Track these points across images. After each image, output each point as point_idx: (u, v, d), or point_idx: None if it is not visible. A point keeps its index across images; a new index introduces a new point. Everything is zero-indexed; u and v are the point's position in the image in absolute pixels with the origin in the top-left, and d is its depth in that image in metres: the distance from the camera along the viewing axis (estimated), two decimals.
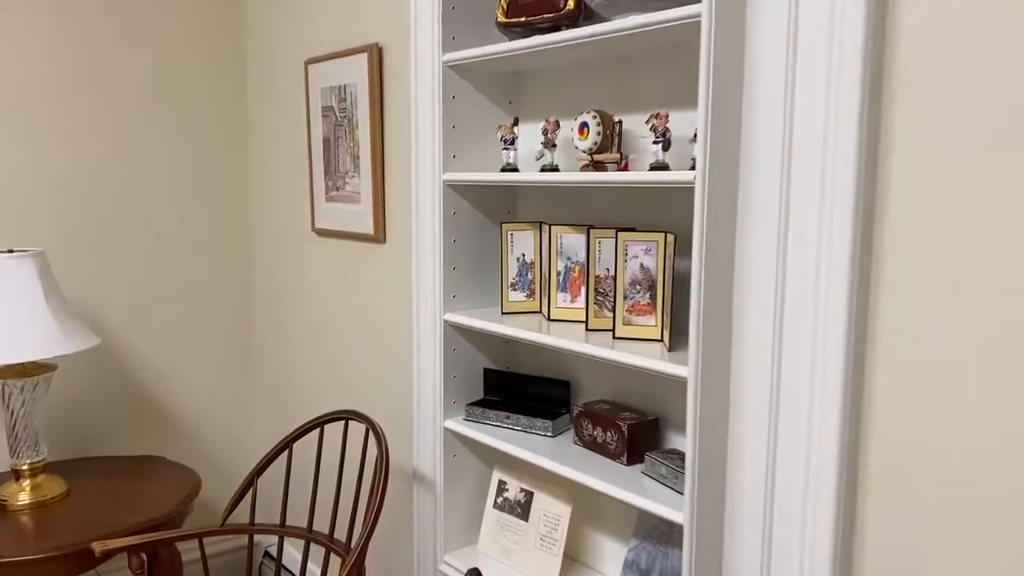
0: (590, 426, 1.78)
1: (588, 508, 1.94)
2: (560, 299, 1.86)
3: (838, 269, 1.27)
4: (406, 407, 2.43)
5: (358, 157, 2.45)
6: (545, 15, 1.70)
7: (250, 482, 2.15)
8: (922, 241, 1.24)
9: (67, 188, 2.73)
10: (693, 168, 1.45)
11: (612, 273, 1.73)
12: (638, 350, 1.56)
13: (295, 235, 2.88)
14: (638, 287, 1.64)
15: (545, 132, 1.80)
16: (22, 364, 2.27)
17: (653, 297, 1.63)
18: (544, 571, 1.91)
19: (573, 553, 1.99)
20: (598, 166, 1.70)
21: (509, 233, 1.94)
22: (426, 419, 2.08)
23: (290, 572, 2.99)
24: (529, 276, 1.96)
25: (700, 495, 1.42)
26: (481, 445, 2.04)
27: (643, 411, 1.79)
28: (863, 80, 1.22)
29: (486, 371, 2.07)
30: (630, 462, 1.70)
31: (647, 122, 1.57)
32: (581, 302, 1.84)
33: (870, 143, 1.27)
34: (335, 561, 2.70)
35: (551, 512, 1.94)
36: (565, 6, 1.67)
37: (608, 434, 1.73)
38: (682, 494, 1.54)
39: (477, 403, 2.03)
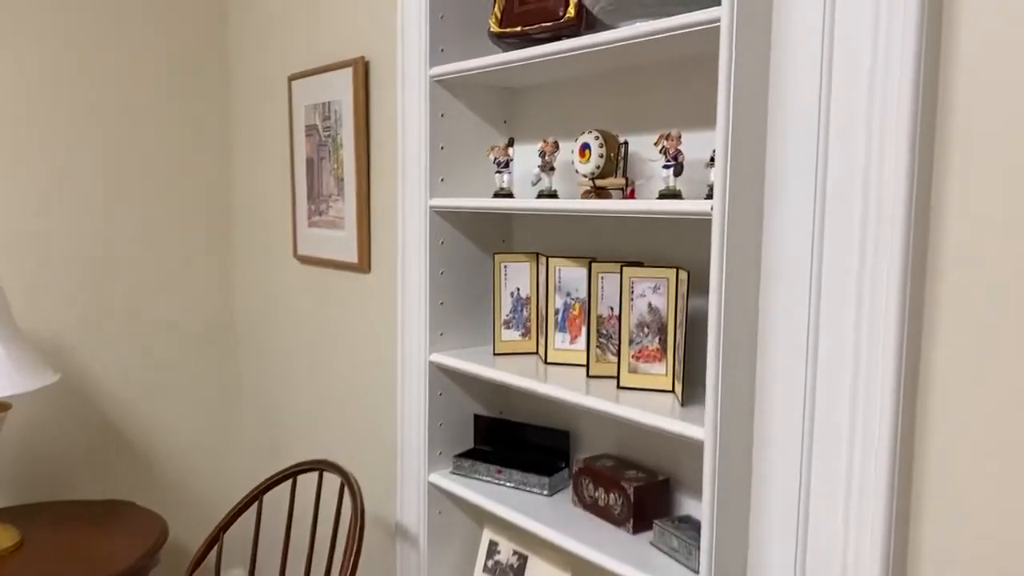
0: (591, 486, 1.57)
1: (587, 574, 1.73)
2: (558, 340, 1.65)
3: (885, 315, 1.06)
4: (390, 455, 2.23)
5: (342, 179, 2.26)
6: (543, 24, 1.52)
7: (215, 538, 1.94)
8: (988, 282, 1.04)
9: (27, 207, 2.55)
10: (710, 197, 1.26)
11: (617, 313, 1.53)
12: (646, 403, 1.36)
13: (277, 261, 2.69)
14: (646, 330, 1.44)
15: (543, 154, 1.61)
16: None
17: (663, 342, 1.43)
18: None
19: None
20: (601, 193, 1.50)
21: (503, 265, 1.75)
22: (410, 470, 1.87)
23: None
24: (525, 313, 1.76)
25: None
26: (472, 504, 1.83)
27: (651, 469, 1.58)
28: (915, 90, 1.03)
29: (476, 418, 1.86)
30: (636, 529, 1.49)
31: (656, 144, 1.38)
32: (581, 343, 1.64)
33: (923, 165, 1.07)
34: None
35: None
36: (565, 14, 1.49)
37: (612, 496, 1.52)
38: (696, 573, 1.33)
39: (466, 454, 1.82)
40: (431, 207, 1.75)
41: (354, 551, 1.66)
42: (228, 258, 2.94)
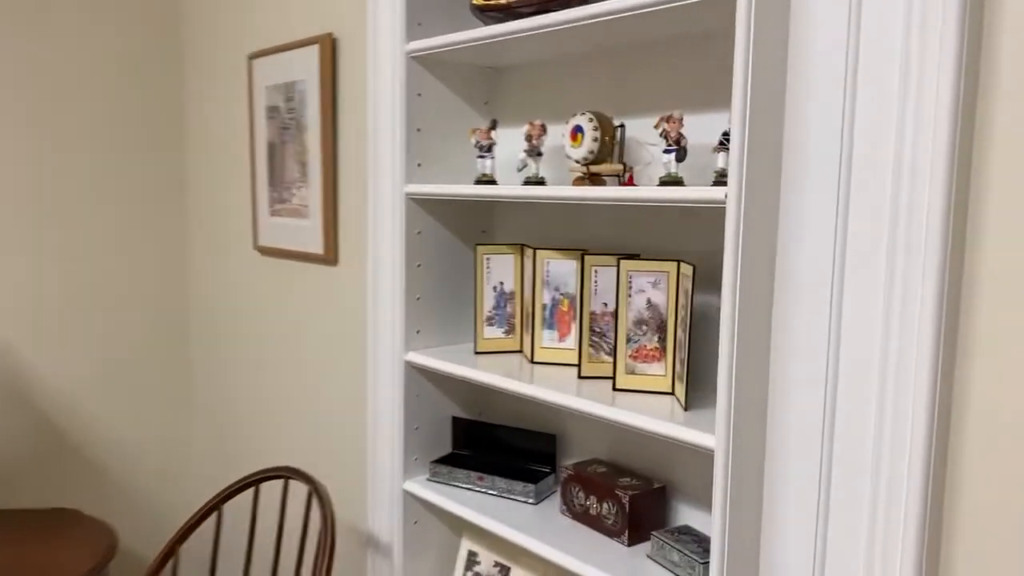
0: (582, 494, 1.47)
1: None
2: (546, 337, 1.54)
3: (919, 317, 0.97)
4: (359, 461, 2.09)
5: (307, 164, 2.11)
6: None
7: (170, 552, 1.79)
8: None
9: None
10: (718, 183, 1.16)
11: (611, 309, 1.42)
12: (644, 406, 1.25)
13: (236, 253, 2.53)
14: (644, 328, 1.33)
15: (529, 138, 1.50)
16: None
17: (662, 340, 1.33)
18: None
19: None
20: (595, 179, 1.39)
21: (485, 258, 1.63)
22: (382, 477, 1.75)
23: None
24: (508, 309, 1.64)
25: None
26: (449, 512, 1.71)
27: (646, 476, 1.48)
28: (958, 61, 0.93)
29: (455, 420, 1.74)
30: (632, 541, 1.38)
31: (656, 127, 1.28)
32: (571, 341, 1.53)
33: (963, 150, 0.97)
34: None
35: None
36: None
37: (604, 506, 1.42)
38: None
39: (444, 459, 1.70)
40: (407, 194, 1.62)
41: (325, 566, 1.54)
42: (182, 250, 2.76)
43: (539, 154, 1.51)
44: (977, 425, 1.00)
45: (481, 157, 1.58)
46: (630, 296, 1.33)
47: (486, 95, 1.73)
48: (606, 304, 1.42)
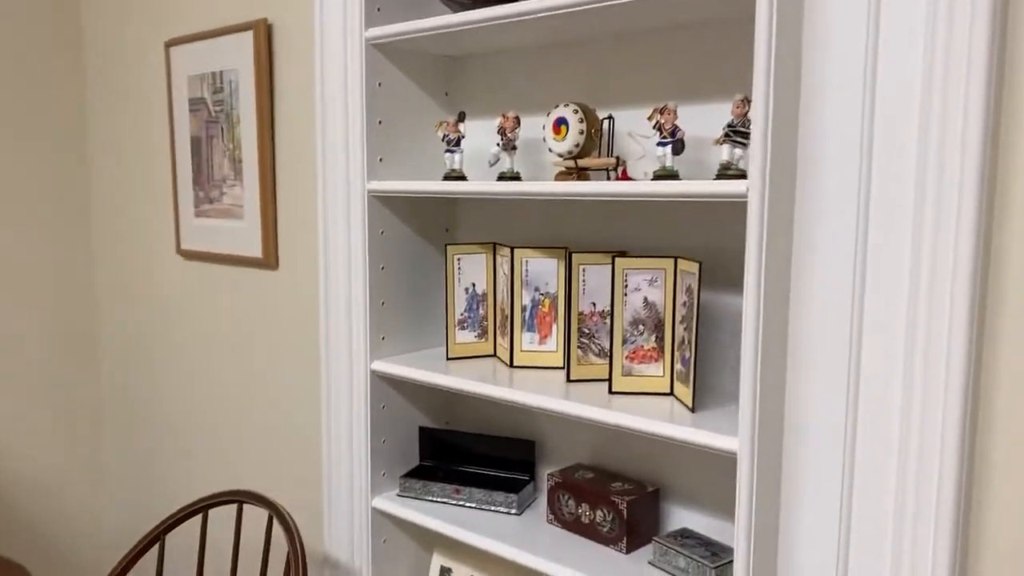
0: (572, 502, 1.41)
1: None
2: (526, 340, 1.47)
3: (950, 315, 0.96)
4: (314, 479, 1.96)
5: (240, 161, 1.95)
6: None
7: None
8: None
9: None
10: (725, 176, 1.12)
11: (600, 309, 1.36)
12: (645, 409, 1.20)
13: (155, 258, 2.32)
14: (641, 327, 1.28)
15: (503, 131, 1.42)
16: None
17: (660, 340, 1.28)
18: None
19: None
20: (582, 174, 1.33)
21: (456, 258, 1.54)
22: (341, 496, 1.63)
23: None
24: (481, 311, 1.56)
25: None
26: (421, 527, 1.62)
27: (636, 479, 1.43)
28: (990, 38, 0.92)
29: (423, 430, 1.65)
30: (630, 548, 1.34)
31: (650, 118, 1.23)
32: (552, 343, 1.46)
33: (993, 134, 0.97)
34: None
35: None
36: None
37: (599, 513, 1.36)
38: None
39: (413, 473, 1.60)
40: (369, 191, 1.51)
41: None
42: (87, 257, 2.52)
43: (513, 148, 1.44)
44: (1009, 420, 1.00)
45: (449, 152, 1.49)
46: (626, 295, 1.28)
47: (445, 86, 1.64)
48: (595, 304, 1.36)
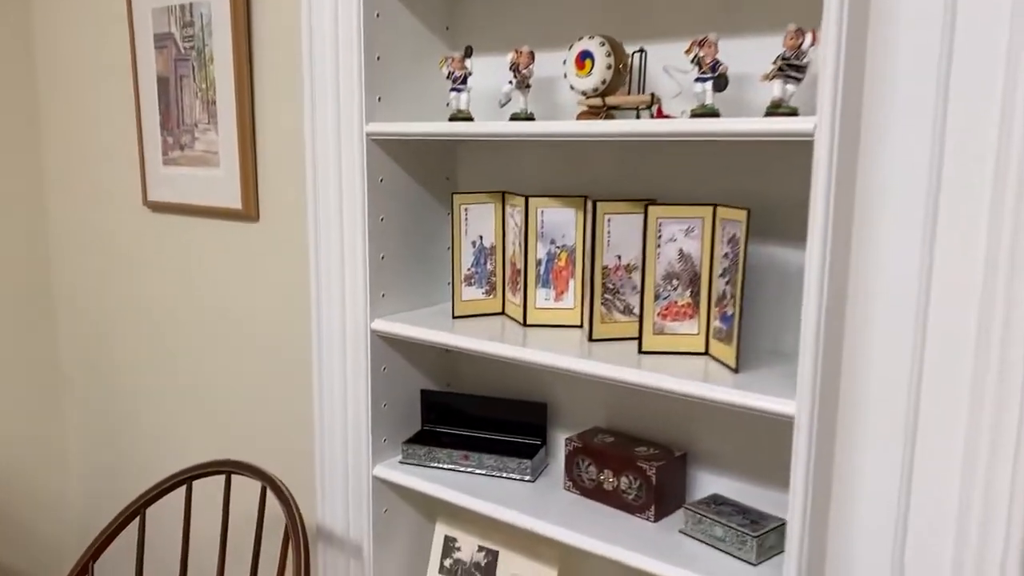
0: (593, 468, 1.32)
1: (577, 568, 1.49)
2: (540, 297, 1.36)
3: None
4: (301, 450, 1.84)
5: (214, 103, 1.79)
6: None
7: (83, 570, 1.49)
8: None
9: None
10: (776, 113, 1.02)
11: (625, 262, 1.26)
12: (681, 369, 1.12)
13: (118, 212, 2.14)
14: (675, 282, 1.19)
15: (516, 67, 1.29)
16: None
17: (695, 295, 1.19)
18: None
19: None
20: (609, 114, 1.21)
21: (463, 208, 1.41)
22: (336, 465, 1.52)
23: None
24: (488, 266, 1.45)
25: None
26: (423, 496, 1.52)
27: (660, 443, 1.35)
28: None
29: (425, 393, 1.54)
30: (659, 516, 1.26)
31: (688, 51, 1.11)
32: (570, 300, 1.36)
33: None
34: None
35: None
36: None
37: (624, 479, 1.28)
38: (753, 565, 1.12)
39: (416, 438, 1.50)
40: (368, 134, 1.37)
41: None
42: (40, 210, 2.32)
43: (527, 86, 1.31)
44: None
45: (455, 90, 1.36)
46: (659, 247, 1.18)
47: (445, 19, 1.49)
48: (619, 257, 1.26)
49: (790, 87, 1.04)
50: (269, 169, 1.76)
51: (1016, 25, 0.85)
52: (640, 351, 1.20)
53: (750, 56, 1.17)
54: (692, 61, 1.12)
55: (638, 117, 1.20)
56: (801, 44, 1.03)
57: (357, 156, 1.38)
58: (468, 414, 1.52)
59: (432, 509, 1.60)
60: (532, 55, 1.29)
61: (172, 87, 1.87)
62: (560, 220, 1.34)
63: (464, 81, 1.36)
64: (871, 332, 0.98)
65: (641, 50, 1.21)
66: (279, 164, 1.74)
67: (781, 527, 1.16)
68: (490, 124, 1.25)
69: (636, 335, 1.27)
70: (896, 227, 0.95)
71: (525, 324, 1.37)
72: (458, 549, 1.55)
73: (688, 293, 1.19)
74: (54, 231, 2.33)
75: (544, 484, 1.40)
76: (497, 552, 1.51)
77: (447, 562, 1.56)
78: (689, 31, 1.24)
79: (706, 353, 1.19)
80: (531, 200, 1.33)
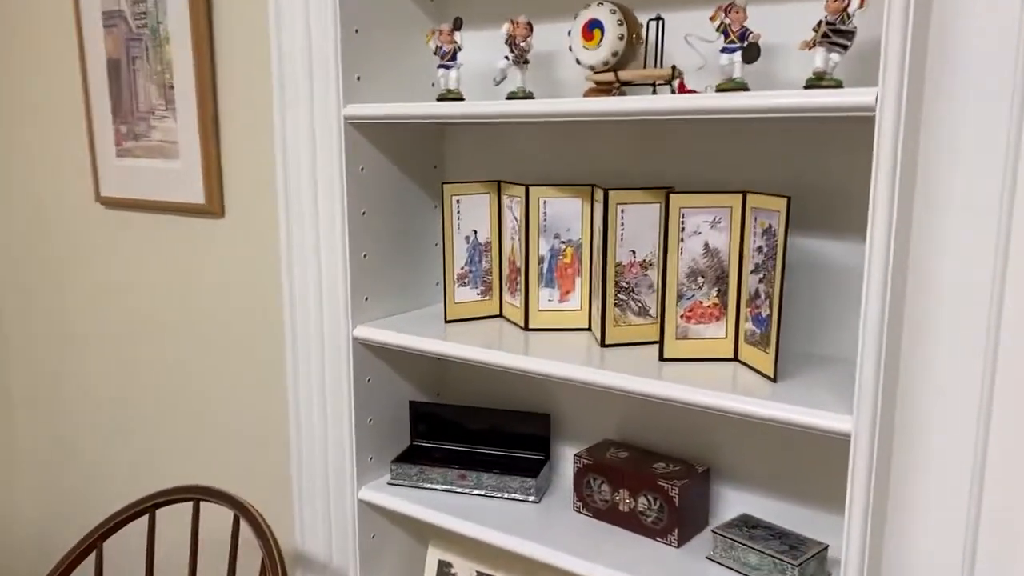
0: (606, 487, 1.19)
1: None
2: (544, 297, 1.22)
3: None
4: (274, 472, 1.69)
5: (171, 87, 1.62)
6: None
7: None
8: None
9: None
10: (818, 85, 0.89)
11: (639, 258, 1.12)
12: (707, 379, 0.99)
13: (68, 209, 1.96)
14: (699, 280, 1.05)
15: (512, 40, 1.15)
16: None
17: (722, 295, 1.06)
18: None
19: None
20: (622, 90, 1.08)
21: (454, 200, 1.27)
22: (316, 488, 1.37)
23: None
24: (484, 264, 1.30)
25: None
26: (420, 521, 1.38)
27: (678, 458, 1.22)
28: None
29: (414, 406, 1.39)
30: (682, 540, 1.13)
31: (713, 18, 0.98)
32: (575, 301, 1.22)
33: None
34: None
35: None
36: None
37: (642, 500, 1.15)
38: None
39: (406, 456, 1.36)
40: (347, 118, 1.22)
41: None
42: None
43: (526, 62, 1.17)
44: None
45: (444, 67, 1.21)
46: (682, 240, 1.04)
47: None
48: (634, 252, 1.12)
49: (834, 56, 0.91)
50: (235, 160, 1.59)
51: None
52: (661, 358, 1.07)
53: (777, 24, 1.04)
54: (717, 29, 0.98)
55: (654, 93, 1.06)
56: (847, 6, 0.90)
57: (335, 143, 1.23)
58: (463, 427, 1.37)
59: (423, 531, 1.46)
60: (530, 26, 1.15)
61: (124, 70, 1.69)
62: (565, 212, 1.20)
63: (454, 57, 1.21)
64: (935, 337, 0.85)
65: (658, 17, 1.07)
66: (246, 154, 1.58)
67: (823, 552, 1.04)
68: (485, 104, 1.11)
69: (654, 339, 1.14)
70: (965, 214, 0.83)
71: (527, 328, 1.23)
72: (454, 575, 1.41)
73: (715, 292, 1.05)
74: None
75: (550, 505, 1.26)
76: None
77: None
78: None
79: (735, 359, 1.06)
80: (532, 190, 1.19)
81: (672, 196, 1.03)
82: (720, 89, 0.97)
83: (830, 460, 1.10)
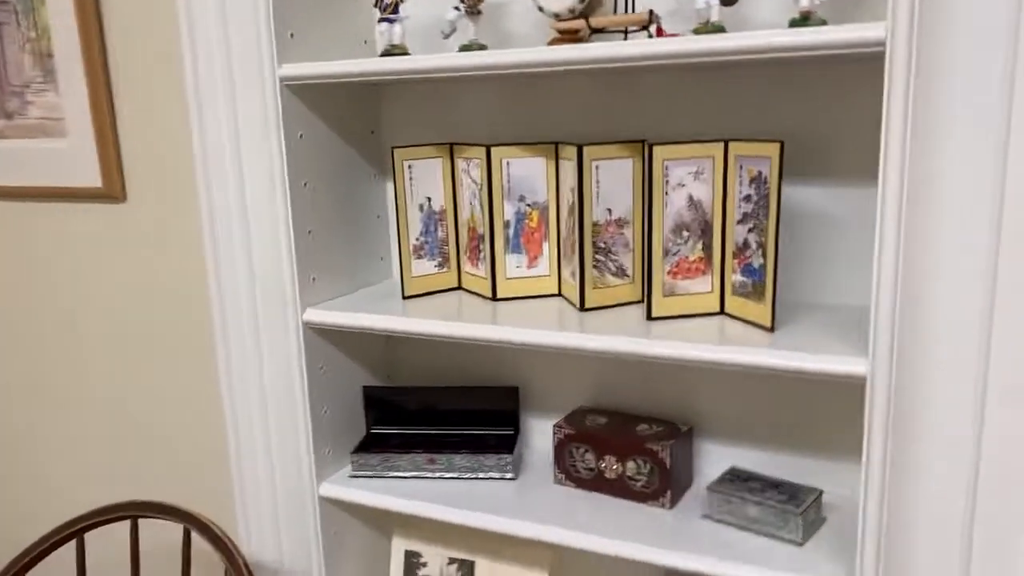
0: (589, 455, 1.15)
1: (565, 567, 1.32)
2: (512, 264, 1.16)
3: None
4: (211, 480, 1.54)
5: (50, 56, 1.42)
6: None
7: None
8: None
9: None
10: (807, 24, 0.87)
11: (615, 216, 1.08)
12: (696, 335, 0.96)
13: None
14: (685, 234, 1.02)
15: None
16: None
17: (707, 248, 1.03)
18: None
19: None
20: (592, 38, 1.02)
21: (406, 165, 1.17)
22: (262, 491, 1.26)
23: None
24: (440, 234, 1.22)
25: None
26: (374, 510, 1.29)
27: (658, 419, 1.19)
28: None
29: (368, 391, 1.30)
30: (674, 502, 1.11)
31: None
32: (543, 267, 1.17)
33: None
34: None
35: None
36: None
37: (630, 465, 1.12)
38: (799, 544, 1.00)
39: (364, 445, 1.27)
40: (283, 79, 1.09)
41: None
42: None
43: (478, 12, 1.09)
44: None
45: (386, 20, 1.12)
46: (666, 194, 1.00)
47: None
48: (610, 210, 1.07)
49: None
50: (135, 135, 1.42)
51: None
52: (649, 317, 1.03)
53: None
54: None
55: (625, 39, 1.01)
56: None
57: (270, 107, 1.10)
58: (424, 410, 1.29)
59: (385, 523, 1.37)
60: None
61: None
62: (528, 173, 1.13)
63: (396, 9, 1.12)
64: (937, 278, 0.85)
65: None
66: (149, 127, 1.41)
67: (819, 498, 1.04)
68: (443, 57, 1.02)
69: (633, 300, 1.10)
70: (963, 155, 0.82)
71: (495, 298, 1.16)
72: (423, 565, 1.34)
73: (700, 246, 1.02)
74: None
75: (528, 480, 1.21)
76: (473, 563, 1.31)
77: None
78: None
79: (721, 312, 1.04)
80: (494, 150, 1.11)
81: (656, 148, 0.98)
82: (696, 31, 0.93)
83: (814, 407, 1.10)
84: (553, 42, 1.03)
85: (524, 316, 1.08)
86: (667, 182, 1.00)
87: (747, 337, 0.95)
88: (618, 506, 1.12)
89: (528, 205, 1.14)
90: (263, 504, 1.28)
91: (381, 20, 1.12)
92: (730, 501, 1.05)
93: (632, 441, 1.11)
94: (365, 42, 1.24)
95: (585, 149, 1.03)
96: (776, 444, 1.14)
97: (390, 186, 1.32)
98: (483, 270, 1.17)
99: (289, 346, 1.18)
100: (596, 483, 1.15)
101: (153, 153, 1.41)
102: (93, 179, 1.44)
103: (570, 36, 1.01)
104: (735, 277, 1.01)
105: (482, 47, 1.08)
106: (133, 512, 1.18)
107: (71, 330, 1.60)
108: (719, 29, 0.93)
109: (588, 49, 0.93)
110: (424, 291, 1.22)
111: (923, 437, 0.86)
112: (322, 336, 1.20)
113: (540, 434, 1.31)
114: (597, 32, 1.00)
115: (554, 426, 1.17)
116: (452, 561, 1.32)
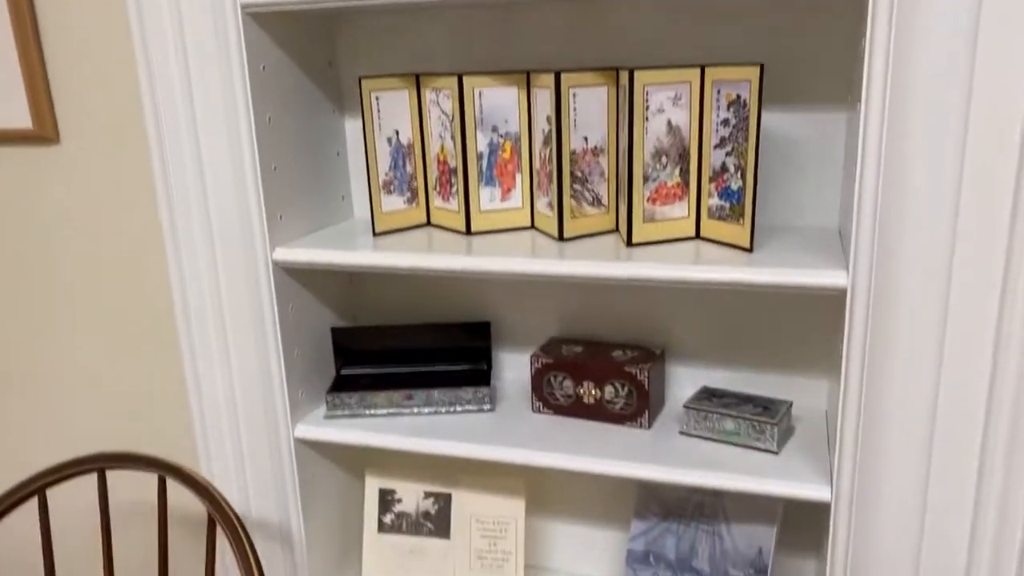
0: (568, 382, 1.17)
1: (540, 493, 1.36)
2: (485, 197, 1.15)
3: None
4: (170, 428, 1.49)
5: None
6: None
7: None
8: None
9: None
10: None
11: (591, 145, 1.09)
12: (680, 257, 0.99)
13: None
14: (663, 160, 1.04)
15: None
16: None
17: (685, 173, 1.05)
18: None
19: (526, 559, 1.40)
20: None
21: (374, 97, 1.14)
22: (225, 437, 1.23)
23: None
24: (408, 168, 1.20)
25: (863, 463, 0.95)
26: (338, 447, 1.28)
27: (630, 344, 1.23)
28: None
29: (337, 332, 1.28)
30: (651, 422, 1.15)
31: None
32: (516, 199, 1.17)
33: None
34: None
35: (490, 516, 1.31)
36: None
37: (608, 389, 1.15)
38: (775, 453, 1.06)
39: (339, 386, 1.25)
40: (243, 6, 1.04)
41: None
42: None
43: None
44: None
45: None
46: (647, 120, 1.02)
47: None
48: (586, 139, 1.08)
49: None
50: (67, 69, 1.32)
51: None
52: (629, 243, 1.05)
53: None
54: None
55: None
56: None
57: (232, 37, 1.05)
58: (395, 350, 1.29)
59: (359, 463, 1.37)
60: None
61: None
62: (500, 103, 1.12)
63: None
64: (911, 197, 0.90)
65: None
66: (84, 59, 1.31)
67: (789, 409, 1.10)
68: None
69: (609, 229, 1.12)
70: (932, 68, 0.87)
71: (468, 232, 1.16)
72: (398, 501, 1.34)
73: (677, 171, 1.05)
74: None
75: (506, 411, 1.23)
76: (449, 495, 1.33)
77: (387, 518, 1.35)
78: None
79: (697, 237, 1.07)
80: (466, 79, 1.10)
81: (637, 73, 0.99)
82: None
83: (778, 327, 1.16)
84: None
85: (502, 247, 1.08)
86: (647, 108, 1.01)
87: (728, 257, 0.98)
88: (597, 428, 1.15)
89: (501, 136, 1.14)
90: (229, 452, 1.25)
91: None
92: (707, 417, 1.10)
93: (610, 366, 1.14)
94: None
95: (563, 76, 1.03)
96: (741, 364, 1.19)
97: (349, 122, 1.29)
98: (455, 204, 1.16)
99: (260, 287, 1.14)
100: (574, 408, 1.18)
101: (89, 90, 1.32)
102: (21, 120, 1.33)
103: None
104: (712, 201, 1.04)
105: None
106: (101, 464, 1.13)
107: (11, 284, 1.50)
108: None
109: None
110: (394, 227, 1.20)
111: (896, 345, 0.92)
112: (291, 275, 1.17)
113: (512, 368, 1.32)
114: None
115: (531, 356, 1.19)
116: (428, 495, 1.33)
